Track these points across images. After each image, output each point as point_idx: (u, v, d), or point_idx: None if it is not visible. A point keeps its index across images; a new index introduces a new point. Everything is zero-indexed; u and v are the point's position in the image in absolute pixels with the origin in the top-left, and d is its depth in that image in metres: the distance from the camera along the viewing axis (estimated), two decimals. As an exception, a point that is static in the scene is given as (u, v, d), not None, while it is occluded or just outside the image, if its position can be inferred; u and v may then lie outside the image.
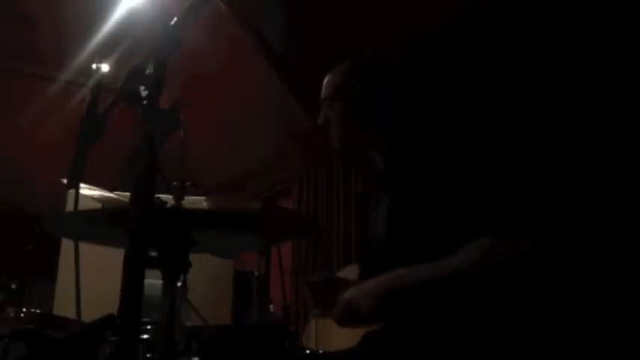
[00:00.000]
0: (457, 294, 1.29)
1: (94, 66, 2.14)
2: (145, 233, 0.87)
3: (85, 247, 1.42)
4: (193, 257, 1.26)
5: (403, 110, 1.52)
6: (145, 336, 1.74)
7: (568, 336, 1.66)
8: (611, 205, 1.96)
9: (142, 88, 0.92)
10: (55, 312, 2.83)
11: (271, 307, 2.82)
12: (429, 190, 1.36)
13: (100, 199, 1.88)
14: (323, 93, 1.60)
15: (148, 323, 1.80)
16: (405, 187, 1.44)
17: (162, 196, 2.20)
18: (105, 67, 2.21)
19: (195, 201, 2.42)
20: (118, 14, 3.44)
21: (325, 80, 1.60)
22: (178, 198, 2.39)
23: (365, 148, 1.58)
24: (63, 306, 2.84)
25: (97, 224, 1.37)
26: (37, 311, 2.12)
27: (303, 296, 1.64)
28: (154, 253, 1.21)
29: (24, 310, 2.07)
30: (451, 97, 2.10)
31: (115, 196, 2.10)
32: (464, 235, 1.27)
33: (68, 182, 1.06)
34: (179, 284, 2.49)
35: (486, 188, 1.32)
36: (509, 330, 1.28)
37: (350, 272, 1.77)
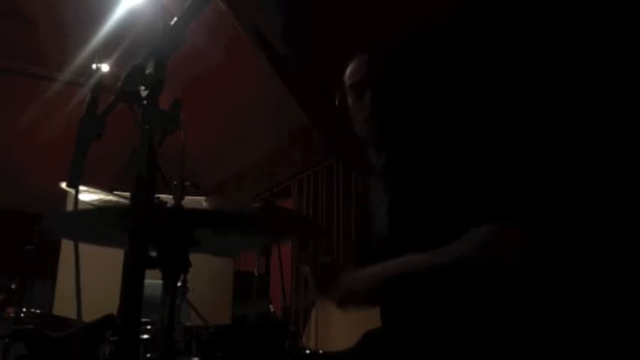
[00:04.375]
0: (456, 282, 1.29)
1: (94, 66, 2.15)
2: (145, 233, 0.87)
3: (85, 247, 1.41)
4: (193, 257, 1.26)
5: (406, 106, 1.52)
6: (145, 336, 1.74)
7: (565, 331, 1.66)
8: (610, 199, 1.96)
9: (142, 87, 0.92)
10: (55, 312, 2.83)
11: (271, 307, 2.82)
12: (430, 185, 1.36)
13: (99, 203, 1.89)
14: (352, 78, 1.56)
15: (148, 323, 1.81)
16: (407, 181, 1.44)
17: (163, 196, 2.21)
18: (105, 67, 2.22)
19: (195, 201, 2.43)
20: (118, 14, 3.44)
21: (351, 66, 1.57)
22: (178, 198, 2.39)
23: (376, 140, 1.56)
24: (63, 306, 2.84)
25: (98, 224, 1.37)
26: (37, 311, 2.12)
27: (304, 272, 1.63)
28: (154, 253, 1.20)
29: (24, 310, 2.07)
30: (451, 92, 2.10)
31: (115, 197, 2.10)
32: (465, 228, 1.27)
33: (68, 182, 1.05)
34: (179, 284, 2.49)
35: (487, 182, 1.33)
36: (507, 327, 1.28)
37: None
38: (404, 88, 1.50)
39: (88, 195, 2.06)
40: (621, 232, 1.90)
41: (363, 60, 1.56)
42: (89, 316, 1.68)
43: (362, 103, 1.51)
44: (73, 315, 1.93)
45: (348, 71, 1.57)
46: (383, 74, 1.51)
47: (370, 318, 1.52)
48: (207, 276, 3.17)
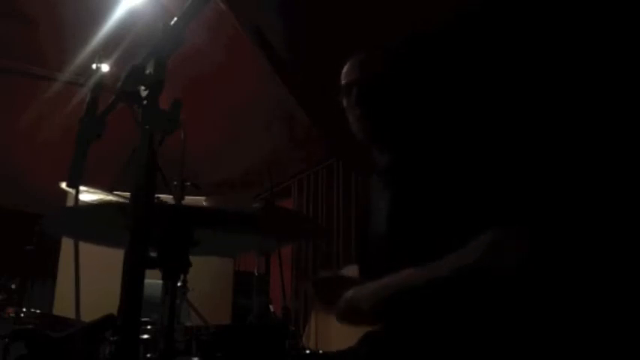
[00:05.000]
0: (459, 296, 1.29)
1: (94, 66, 2.15)
2: (145, 233, 0.87)
3: (85, 247, 1.42)
4: (193, 257, 1.26)
5: (406, 108, 1.52)
6: (145, 336, 1.74)
7: (568, 335, 1.66)
8: (612, 203, 1.96)
9: (142, 87, 0.92)
10: (55, 312, 2.83)
11: (271, 307, 2.82)
12: (432, 186, 1.36)
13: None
14: (345, 78, 1.58)
15: (148, 323, 1.80)
16: (409, 182, 1.44)
17: (163, 196, 2.21)
18: (105, 67, 2.22)
19: (195, 201, 2.43)
20: (118, 14, 3.44)
21: (346, 67, 1.58)
22: (178, 198, 2.39)
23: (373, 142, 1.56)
24: (63, 306, 2.84)
25: (98, 223, 1.37)
26: (37, 311, 2.12)
27: (305, 291, 1.63)
28: (154, 253, 1.21)
29: (24, 310, 2.07)
30: (454, 93, 2.10)
31: (115, 197, 2.10)
32: (467, 231, 1.26)
33: (68, 182, 1.05)
34: (179, 284, 2.49)
35: (489, 185, 1.32)
36: (509, 329, 1.28)
37: (350, 272, 1.77)
38: (398, 88, 1.51)
39: (88, 195, 2.06)
40: (622, 234, 1.90)
41: (356, 60, 1.57)
42: (89, 316, 1.68)
43: (352, 102, 1.53)
44: (73, 315, 1.93)
45: (343, 71, 1.59)
46: (375, 74, 1.52)
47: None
48: (207, 276, 3.17)
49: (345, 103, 1.57)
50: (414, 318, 1.36)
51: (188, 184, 2.55)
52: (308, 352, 2.14)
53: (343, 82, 1.57)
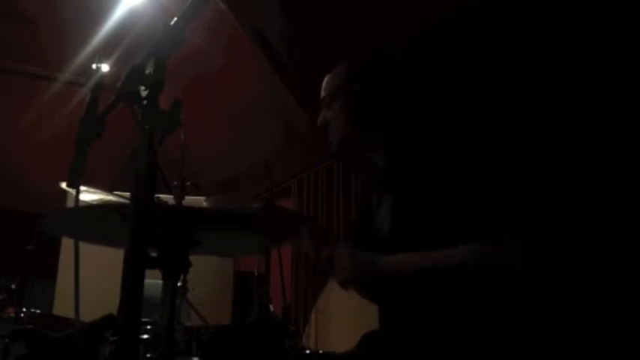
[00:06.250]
0: (454, 284, 1.29)
1: (94, 66, 2.15)
2: (145, 233, 0.87)
3: (85, 247, 1.41)
4: (193, 257, 1.26)
5: (403, 109, 1.52)
6: (145, 336, 1.74)
7: (566, 337, 1.66)
8: (612, 206, 1.96)
9: (142, 87, 0.92)
10: (55, 312, 2.84)
11: (271, 307, 2.82)
12: (432, 189, 1.36)
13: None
14: (322, 93, 1.59)
15: (148, 323, 1.81)
16: (408, 186, 1.44)
17: (163, 196, 2.21)
18: (105, 67, 2.22)
19: (195, 201, 2.43)
20: (118, 14, 3.44)
21: (324, 81, 1.60)
22: (178, 198, 2.40)
23: (364, 148, 1.57)
24: (63, 306, 2.85)
25: (97, 222, 1.37)
26: (37, 311, 2.12)
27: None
28: (154, 253, 1.21)
29: (24, 310, 2.07)
30: (452, 95, 2.10)
31: (115, 197, 2.10)
32: (468, 233, 1.26)
33: (68, 182, 1.06)
34: (179, 284, 2.50)
35: (489, 187, 1.32)
36: (508, 330, 1.28)
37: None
38: (392, 89, 1.51)
39: (88, 195, 2.06)
40: (625, 236, 1.90)
41: (338, 70, 1.58)
42: (89, 316, 1.68)
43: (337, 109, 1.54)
44: (72, 315, 1.93)
45: (324, 83, 1.60)
46: (365, 77, 1.52)
47: (370, 318, 1.52)
48: (207, 276, 3.17)
49: (326, 114, 1.58)
50: (407, 303, 1.36)
51: (188, 184, 2.55)
52: (308, 352, 2.14)
53: (325, 93, 1.58)
